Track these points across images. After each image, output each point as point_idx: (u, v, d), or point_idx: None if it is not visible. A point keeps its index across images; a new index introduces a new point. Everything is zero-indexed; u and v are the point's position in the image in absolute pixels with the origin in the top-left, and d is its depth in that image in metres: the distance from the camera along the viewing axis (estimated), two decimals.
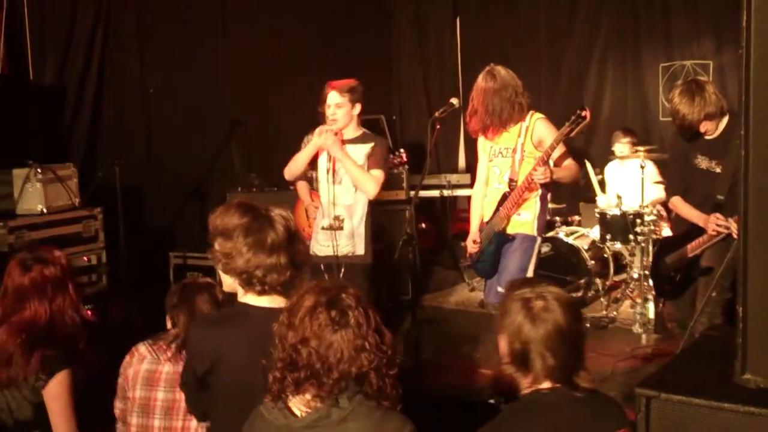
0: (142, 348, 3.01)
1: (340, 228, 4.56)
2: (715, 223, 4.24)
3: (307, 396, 2.02)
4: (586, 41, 7.93)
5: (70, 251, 4.88)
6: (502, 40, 8.31)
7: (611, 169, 6.80)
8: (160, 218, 6.45)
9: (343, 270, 4.51)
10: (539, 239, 4.53)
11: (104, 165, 5.41)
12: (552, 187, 4.55)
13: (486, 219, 4.58)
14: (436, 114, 4.58)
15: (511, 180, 4.41)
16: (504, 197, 4.42)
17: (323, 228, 4.61)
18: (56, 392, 2.90)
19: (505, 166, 4.46)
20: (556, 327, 2.20)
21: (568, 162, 4.43)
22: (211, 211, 2.62)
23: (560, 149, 4.33)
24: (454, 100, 4.69)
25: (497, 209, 4.47)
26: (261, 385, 2.11)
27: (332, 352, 1.98)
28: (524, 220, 4.45)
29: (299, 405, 2.04)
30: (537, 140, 4.37)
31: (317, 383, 1.98)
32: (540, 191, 4.43)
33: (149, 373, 2.94)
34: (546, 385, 2.24)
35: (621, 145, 6.55)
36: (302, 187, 5.44)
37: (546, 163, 4.20)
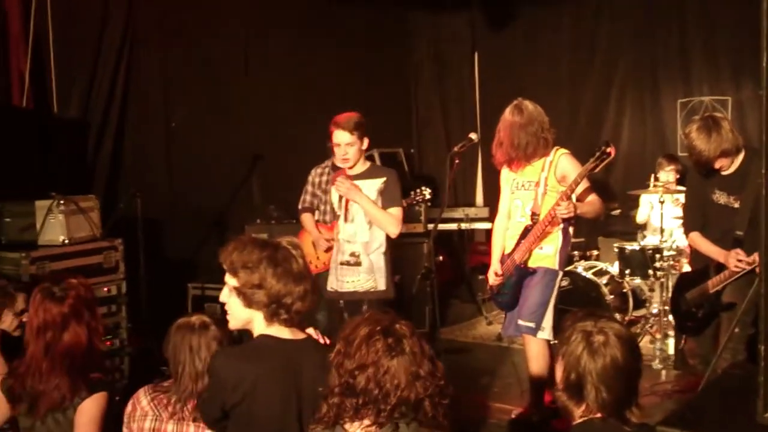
0: (144, 401, 2.93)
1: (358, 264, 4.52)
2: (736, 259, 4.21)
3: (366, 422, 2.05)
4: (605, 77, 7.96)
5: (90, 282, 4.84)
6: (521, 75, 8.36)
7: (650, 199, 6.61)
8: (180, 249, 6.49)
9: (366, 306, 4.43)
10: (561, 273, 4.52)
11: (126, 197, 5.47)
12: (575, 222, 4.54)
13: (507, 251, 4.58)
14: (456, 149, 4.61)
15: (533, 213, 4.41)
16: (526, 231, 4.43)
17: (342, 264, 4.58)
18: (90, 409, 2.94)
19: (528, 199, 4.48)
20: (613, 363, 2.23)
21: (592, 197, 4.43)
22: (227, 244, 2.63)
23: (584, 184, 4.34)
24: (473, 135, 4.72)
25: (519, 242, 4.47)
26: (294, 416, 2.13)
27: (389, 378, 2.02)
28: (546, 254, 4.45)
29: (357, 431, 2.06)
30: (560, 175, 4.38)
31: (375, 409, 2.02)
32: (562, 225, 4.43)
33: None
34: (597, 414, 2.27)
35: (666, 174, 6.34)
36: (308, 219, 5.47)
37: (569, 198, 4.20)
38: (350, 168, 4.55)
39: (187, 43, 6.60)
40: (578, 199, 4.37)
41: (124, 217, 5.40)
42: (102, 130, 6.03)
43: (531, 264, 4.46)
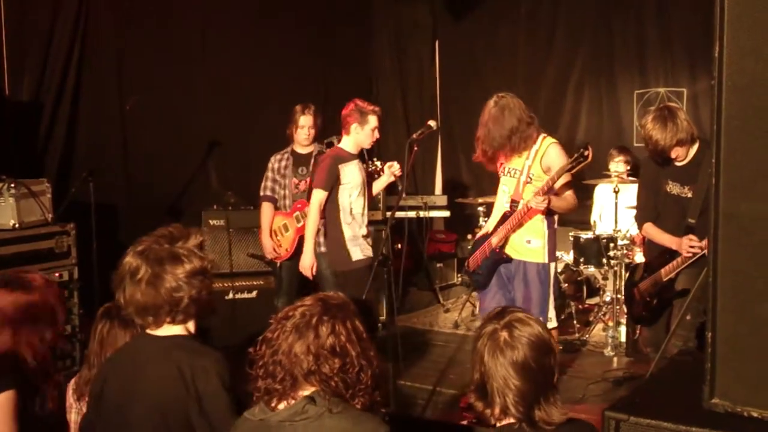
0: (70, 392, 2.82)
1: (370, 235, 5.16)
2: (688, 245, 4.30)
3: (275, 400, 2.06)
4: (563, 67, 8.01)
5: (41, 267, 4.82)
6: (481, 64, 8.40)
7: (603, 192, 6.63)
8: (134, 235, 6.33)
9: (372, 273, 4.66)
10: (553, 265, 4.60)
11: (78, 180, 5.37)
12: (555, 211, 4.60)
13: (490, 231, 4.68)
14: (414, 136, 4.63)
15: (513, 201, 4.49)
16: (505, 216, 4.51)
17: (364, 236, 5.08)
18: None
19: (512, 186, 4.54)
20: (518, 361, 2.12)
21: (568, 193, 4.48)
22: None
23: (565, 178, 4.38)
24: (432, 122, 4.75)
25: (497, 227, 4.56)
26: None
27: (285, 357, 2.05)
28: (535, 248, 4.52)
29: (280, 402, 2.07)
30: (546, 165, 4.40)
31: (281, 389, 2.04)
32: (546, 217, 4.49)
33: (78, 425, 2.78)
34: (510, 419, 2.16)
35: (615, 164, 6.36)
36: (266, 210, 5.51)
37: (546, 193, 4.26)
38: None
39: (142, 25, 6.48)
40: (556, 193, 4.42)
41: (77, 202, 5.30)
42: (55, 112, 5.89)
43: (521, 257, 4.54)
